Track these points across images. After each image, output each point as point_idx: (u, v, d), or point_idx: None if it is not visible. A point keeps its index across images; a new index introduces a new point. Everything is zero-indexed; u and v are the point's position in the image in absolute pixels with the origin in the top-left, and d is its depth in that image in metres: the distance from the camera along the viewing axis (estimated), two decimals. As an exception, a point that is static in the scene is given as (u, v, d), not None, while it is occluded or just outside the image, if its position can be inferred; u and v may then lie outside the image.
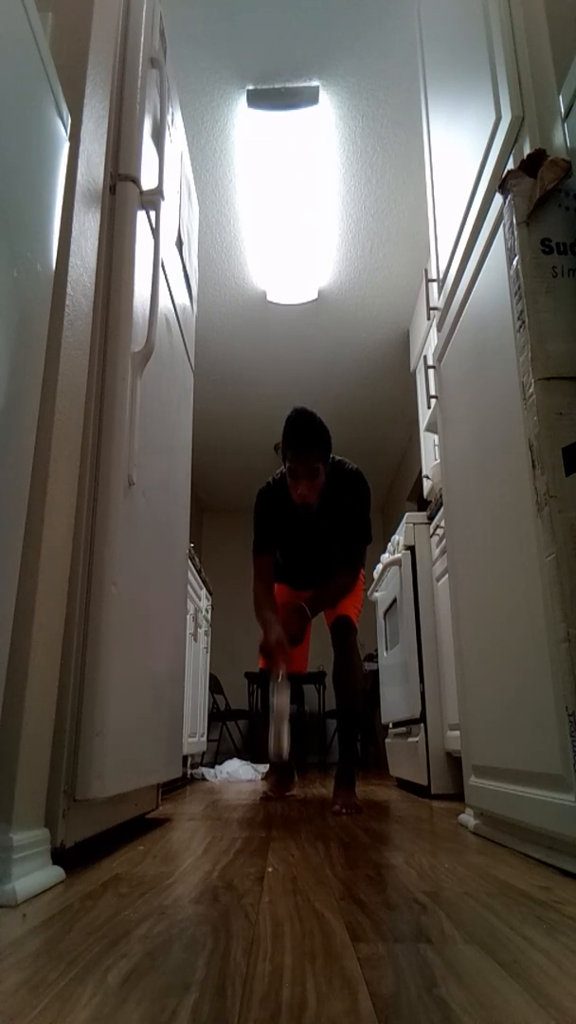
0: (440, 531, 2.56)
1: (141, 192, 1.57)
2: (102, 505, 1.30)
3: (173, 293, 1.97)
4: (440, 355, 1.91)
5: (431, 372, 2.37)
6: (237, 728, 5.86)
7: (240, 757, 4.47)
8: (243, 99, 2.80)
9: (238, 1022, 0.50)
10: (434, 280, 2.01)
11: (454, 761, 2.42)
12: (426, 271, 3.26)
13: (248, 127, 2.92)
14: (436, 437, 3.14)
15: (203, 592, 3.95)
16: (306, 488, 2.16)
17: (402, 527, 2.91)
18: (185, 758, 3.03)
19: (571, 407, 1.10)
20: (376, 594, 3.45)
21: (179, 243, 2.08)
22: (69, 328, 1.20)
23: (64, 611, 1.17)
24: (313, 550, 2.40)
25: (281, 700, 2.03)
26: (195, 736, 3.44)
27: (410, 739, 2.76)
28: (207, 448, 5.72)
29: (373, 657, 3.93)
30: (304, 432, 2.12)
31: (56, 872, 1.01)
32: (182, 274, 2.17)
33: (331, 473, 2.25)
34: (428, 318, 2.36)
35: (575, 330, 1.13)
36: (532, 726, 1.19)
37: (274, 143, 2.99)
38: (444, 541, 2.27)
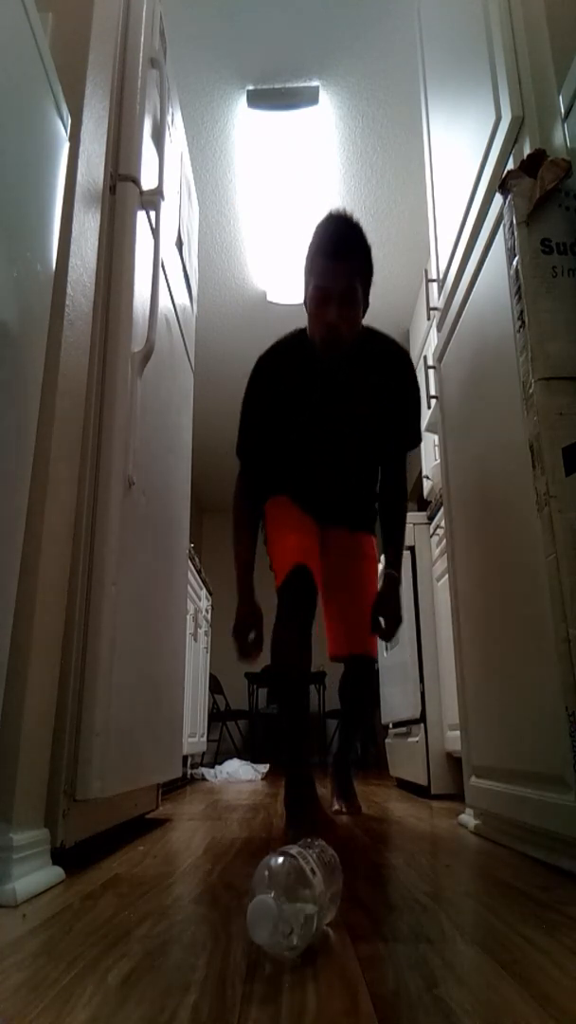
0: (440, 531, 2.56)
1: (141, 192, 1.57)
2: (102, 505, 1.30)
3: (173, 293, 1.97)
4: (440, 355, 1.91)
5: (431, 372, 2.38)
6: (237, 728, 5.86)
7: (240, 757, 4.47)
8: (243, 99, 2.80)
9: (238, 1022, 0.50)
10: (434, 280, 2.01)
11: (454, 761, 2.42)
12: (426, 271, 3.26)
13: (248, 127, 2.92)
14: (436, 437, 3.14)
15: (203, 592, 3.95)
16: (338, 314, 1.52)
17: (402, 527, 2.89)
18: (185, 758, 3.03)
19: (571, 407, 1.10)
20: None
21: (179, 243, 2.08)
22: (69, 328, 1.20)
23: (64, 611, 1.17)
24: (335, 449, 1.72)
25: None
26: (195, 736, 3.45)
27: (410, 739, 2.76)
28: (207, 448, 5.71)
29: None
30: (344, 230, 1.51)
31: (56, 872, 1.01)
32: (182, 274, 2.17)
33: (365, 341, 1.65)
34: (428, 318, 2.36)
35: (575, 330, 1.13)
36: (532, 726, 1.19)
37: (274, 143, 2.99)
38: (444, 541, 2.27)
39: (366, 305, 1.61)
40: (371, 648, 1.86)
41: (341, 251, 1.51)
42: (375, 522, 1.90)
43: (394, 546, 1.83)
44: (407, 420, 1.75)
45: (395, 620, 1.76)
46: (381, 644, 3.41)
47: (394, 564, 1.81)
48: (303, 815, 1.52)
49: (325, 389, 1.65)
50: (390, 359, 1.70)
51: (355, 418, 1.68)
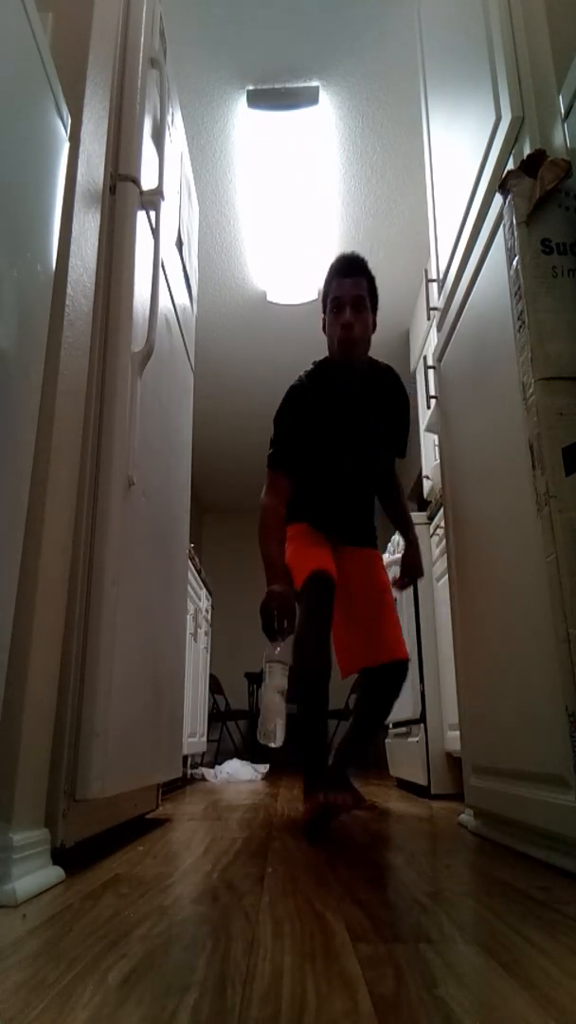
0: (440, 531, 2.56)
1: (141, 192, 1.57)
2: (102, 505, 1.30)
3: (173, 293, 1.97)
4: (440, 355, 1.91)
5: (431, 372, 2.37)
6: (237, 728, 5.86)
7: (240, 757, 4.47)
8: (243, 99, 2.80)
9: (238, 1022, 0.50)
10: (434, 280, 2.01)
11: (454, 761, 2.42)
12: (426, 271, 3.26)
13: (248, 127, 2.92)
14: (436, 437, 3.14)
15: (203, 592, 3.95)
16: (351, 316, 1.81)
17: (402, 527, 2.90)
18: (185, 758, 3.03)
19: (571, 407, 1.10)
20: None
21: (179, 243, 2.08)
22: (69, 328, 1.20)
23: (64, 611, 1.17)
24: (352, 466, 1.94)
25: (275, 681, 1.64)
26: (195, 736, 3.45)
27: (410, 739, 2.76)
28: (207, 448, 5.71)
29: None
30: (351, 259, 1.87)
31: (56, 872, 1.01)
32: (182, 274, 2.17)
33: (371, 365, 1.96)
34: (428, 318, 2.37)
35: (575, 330, 1.13)
36: (532, 726, 1.19)
37: (274, 143, 2.99)
38: (444, 541, 2.27)
39: (374, 325, 1.89)
40: (405, 650, 1.90)
41: (350, 270, 1.84)
42: (376, 539, 2.09)
43: (404, 521, 2.15)
44: (403, 435, 2.03)
45: (420, 575, 2.15)
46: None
47: (411, 532, 2.13)
48: (314, 786, 1.59)
49: (348, 407, 1.90)
50: (392, 382, 1.98)
51: (373, 433, 1.93)
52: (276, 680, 1.65)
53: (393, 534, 3.09)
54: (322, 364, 1.93)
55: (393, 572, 2.23)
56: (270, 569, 1.76)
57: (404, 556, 2.12)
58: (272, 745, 1.61)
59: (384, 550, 3.27)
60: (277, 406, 1.91)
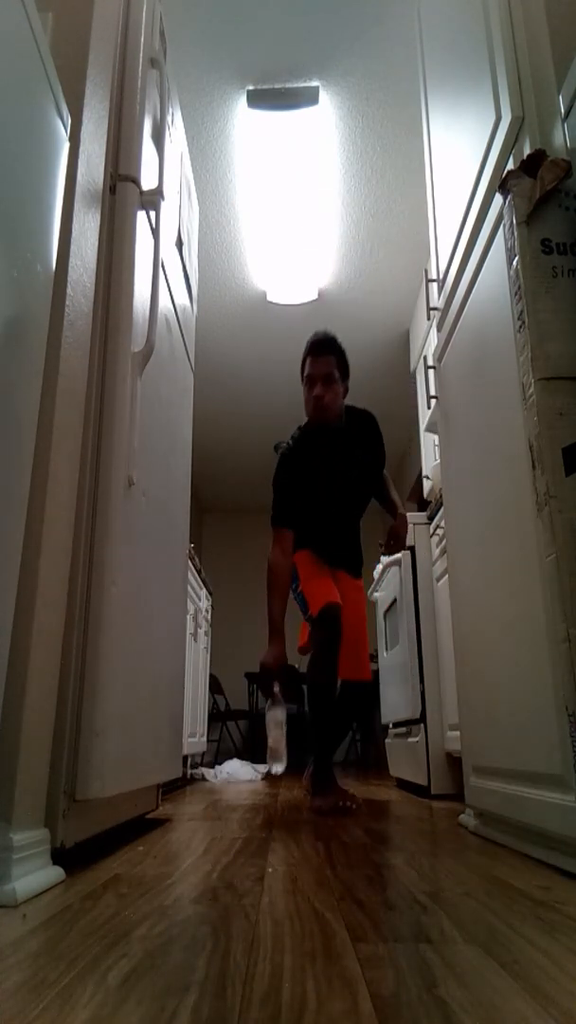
0: (440, 531, 2.56)
1: (141, 192, 1.56)
2: (102, 505, 1.30)
3: (173, 293, 1.97)
4: (440, 355, 1.91)
5: (431, 372, 2.37)
6: (237, 728, 5.86)
7: (240, 757, 4.47)
8: (243, 99, 2.80)
9: (238, 1022, 0.50)
10: (434, 280, 2.01)
11: (454, 761, 2.42)
12: (426, 271, 3.26)
13: (248, 127, 2.92)
14: (436, 437, 3.14)
15: (203, 592, 3.95)
16: (323, 389, 2.21)
17: (402, 527, 2.90)
18: (185, 758, 3.03)
19: (571, 407, 1.10)
20: (376, 594, 3.45)
21: (179, 243, 2.08)
22: (69, 328, 1.20)
23: (64, 611, 1.17)
24: (345, 500, 2.36)
25: (274, 715, 2.02)
26: (195, 736, 3.45)
27: (410, 739, 2.76)
28: (207, 448, 5.71)
29: (373, 657, 3.93)
30: (322, 338, 2.28)
31: (56, 872, 1.01)
32: (182, 274, 2.17)
33: (348, 413, 2.35)
34: (428, 318, 2.37)
35: (575, 330, 1.13)
36: (532, 726, 1.19)
37: (274, 143, 2.99)
38: (444, 541, 2.27)
39: (346, 389, 2.31)
40: (368, 672, 2.40)
41: (321, 349, 2.27)
42: (362, 564, 2.52)
43: (393, 504, 2.54)
44: (382, 460, 2.47)
45: (403, 547, 2.56)
46: (381, 644, 3.43)
47: (399, 510, 2.52)
48: (326, 787, 2.03)
49: (332, 461, 2.29)
50: (367, 422, 2.40)
51: (361, 466, 2.35)
52: (277, 717, 2.02)
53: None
54: (305, 428, 2.35)
55: (390, 575, 2.35)
56: (271, 628, 2.12)
57: (391, 527, 2.50)
58: (277, 769, 1.98)
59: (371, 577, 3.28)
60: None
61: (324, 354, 2.25)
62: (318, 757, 2.14)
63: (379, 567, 3.24)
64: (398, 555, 2.80)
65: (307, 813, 1.94)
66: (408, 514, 2.92)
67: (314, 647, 2.14)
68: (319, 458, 2.27)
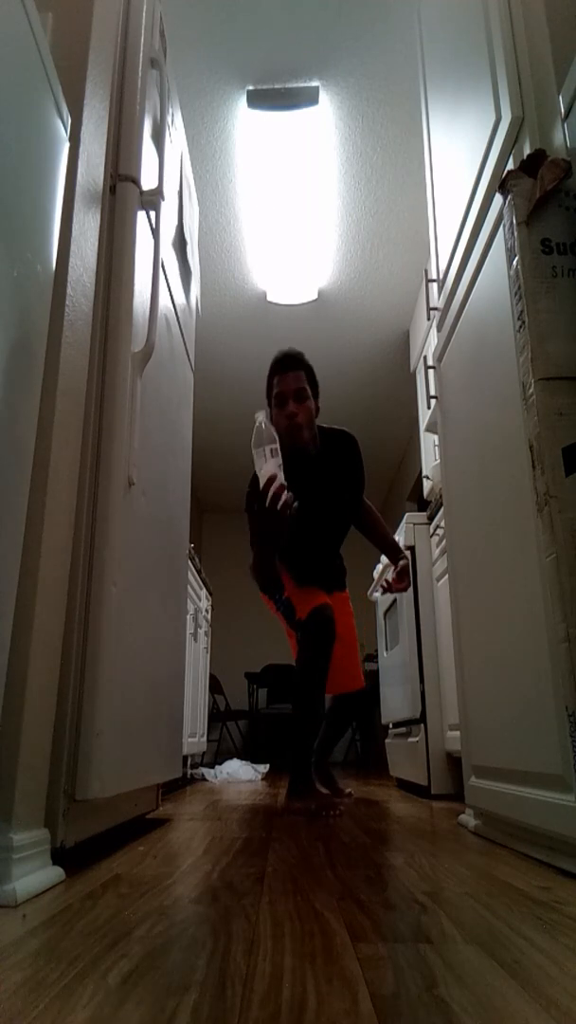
0: (440, 531, 2.56)
1: (141, 192, 1.56)
2: (102, 505, 1.30)
3: (173, 293, 1.97)
4: (440, 355, 1.91)
5: (431, 372, 2.37)
6: (237, 728, 5.86)
7: (240, 757, 4.47)
8: (243, 99, 2.80)
9: (238, 1022, 0.50)
10: (434, 280, 2.01)
11: (454, 761, 2.42)
12: (426, 271, 3.26)
13: (248, 127, 2.92)
14: (436, 437, 3.13)
15: (203, 592, 3.95)
16: (295, 407, 2.08)
17: (402, 527, 2.91)
18: (185, 758, 3.03)
19: (571, 407, 1.10)
20: (376, 594, 3.45)
21: (180, 243, 2.08)
22: (69, 328, 1.20)
23: (64, 611, 1.17)
24: (326, 520, 2.25)
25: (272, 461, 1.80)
26: (195, 736, 3.44)
27: (410, 739, 2.76)
28: (207, 448, 5.71)
29: (373, 657, 3.93)
30: (288, 353, 2.14)
31: (56, 872, 1.01)
32: (183, 274, 2.17)
33: (324, 436, 2.22)
34: (428, 318, 2.37)
35: (575, 330, 1.13)
36: (532, 726, 1.19)
37: (274, 143, 2.99)
38: (444, 541, 2.27)
39: (318, 408, 2.18)
40: (362, 680, 2.45)
41: (290, 365, 2.12)
42: (345, 576, 2.48)
43: (391, 547, 2.46)
44: (361, 481, 2.34)
45: (407, 588, 2.40)
46: (381, 644, 3.43)
47: (400, 555, 2.40)
48: (304, 790, 1.99)
49: (307, 483, 2.13)
50: (346, 445, 2.26)
51: (340, 485, 2.25)
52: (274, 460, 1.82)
53: (393, 534, 3.12)
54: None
55: (390, 575, 2.37)
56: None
57: (401, 567, 2.35)
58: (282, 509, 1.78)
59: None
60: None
61: (293, 369, 2.11)
62: (296, 759, 2.05)
63: (379, 567, 3.24)
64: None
65: (286, 815, 1.87)
66: (408, 514, 2.93)
67: (302, 648, 2.04)
68: (294, 491, 1.92)
